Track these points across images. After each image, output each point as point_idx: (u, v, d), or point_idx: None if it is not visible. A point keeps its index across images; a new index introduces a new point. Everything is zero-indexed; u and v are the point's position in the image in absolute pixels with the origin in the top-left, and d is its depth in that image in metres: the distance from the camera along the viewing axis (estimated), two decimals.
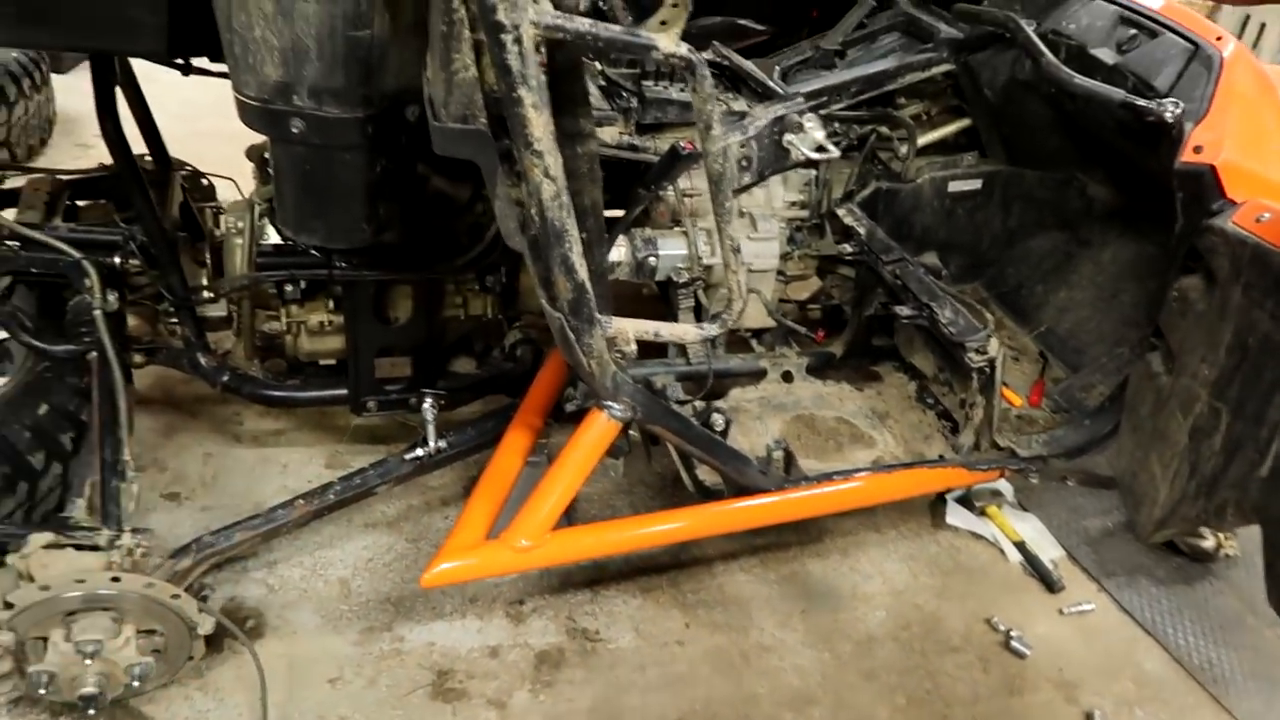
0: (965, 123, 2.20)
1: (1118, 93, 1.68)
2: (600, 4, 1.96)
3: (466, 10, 1.16)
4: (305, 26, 1.25)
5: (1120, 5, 1.88)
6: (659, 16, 1.33)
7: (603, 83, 1.84)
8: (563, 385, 1.82)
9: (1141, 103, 1.63)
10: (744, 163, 1.59)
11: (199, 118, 2.84)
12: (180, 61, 1.62)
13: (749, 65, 1.92)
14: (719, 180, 1.32)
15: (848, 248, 2.04)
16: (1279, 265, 1.41)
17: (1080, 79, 1.73)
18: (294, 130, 1.32)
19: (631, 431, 1.65)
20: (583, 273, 1.31)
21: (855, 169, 2.14)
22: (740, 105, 1.87)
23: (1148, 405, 1.70)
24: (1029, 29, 1.86)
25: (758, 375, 2.02)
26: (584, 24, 1.19)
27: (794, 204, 2.06)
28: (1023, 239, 2.31)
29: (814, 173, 2.06)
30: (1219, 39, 1.73)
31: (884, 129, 2.13)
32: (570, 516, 1.97)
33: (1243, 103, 1.66)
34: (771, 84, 1.87)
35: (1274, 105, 1.70)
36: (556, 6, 1.26)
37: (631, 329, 1.42)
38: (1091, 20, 1.89)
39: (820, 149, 1.50)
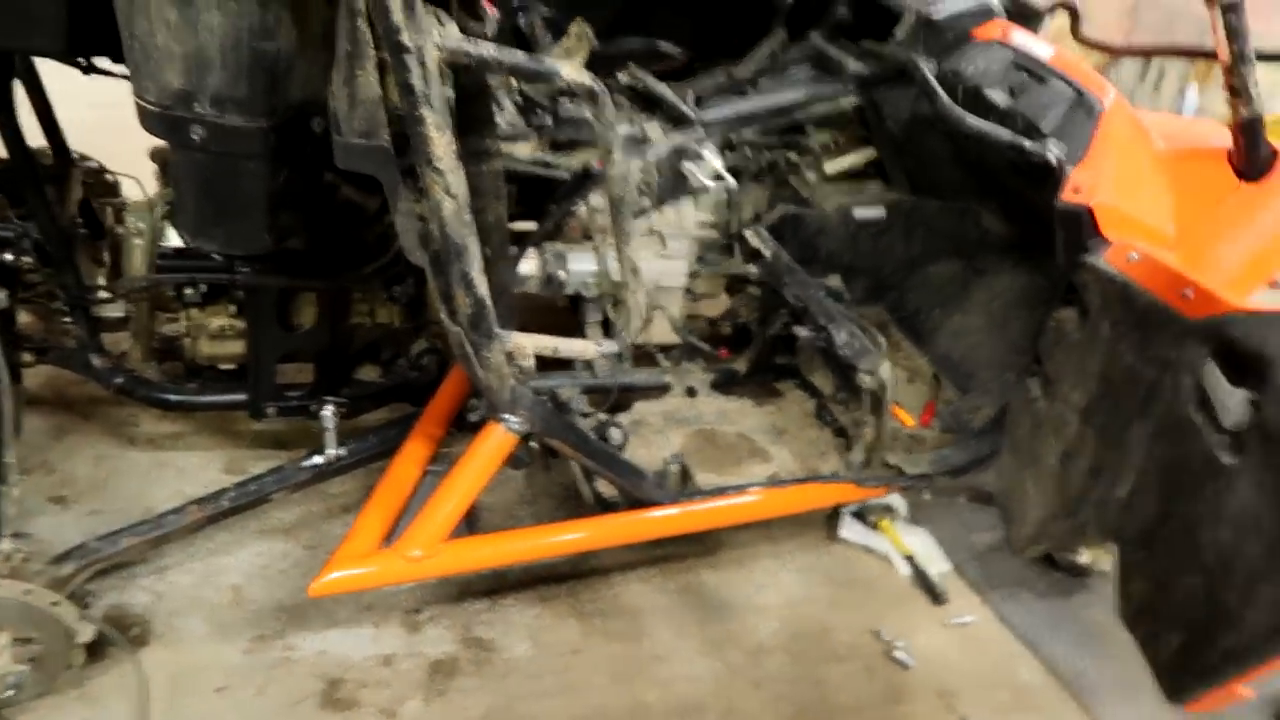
0: (871, 153, 2.28)
1: (1005, 133, 1.77)
2: (520, 24, 1.99)
3: (372, 30, 1.18)
4: (210, 36, 1.25)
5: (1014, 51, 1.98)
6: (564, 45, 1.36)
7: (519, 99, 1.86)
8: (466, 395, 1.84)
9: (1027, 144, 1.72)
10: (644, 187, 1.63)
11: (120, 106, 2.77)
12: (82, 61, 1.60)
13: (663, 89, 1.97)
14: (618, 203, 1.36)
15: (753, 269, 2.10)
16: (1142, 302, 1.50)
17: (972, 119, 1.81)
18: (194, 137, 1.32)
19: (532, 443, 1.69)
20: (483, 288, 1.34)
21: (765, 193, 2.21)
22: (653, 128, 1.92)
23: (1025, 428, 1.80)
24: (927, 70, 1.94)
25: (662, 389, 2.06)
26: (488, 49, 1.22)
27: (705, 224, 2.11)
28: (923, 265, 2.40)
29: (725, 195, 2.11)
30: (1101, 88, 1.84)
31: (792, 156, 2.20)
32: (472, 526, 1.98)
33: (1119, 148, 1.77)
34: (684, 109, 1.93)
35: (1148, 152, 1.81)
36: (464, 30, 1.29)
37: (531, 344, 1.45)
38: (988, 64, 1.99)
39: (718, 177, 1.56)
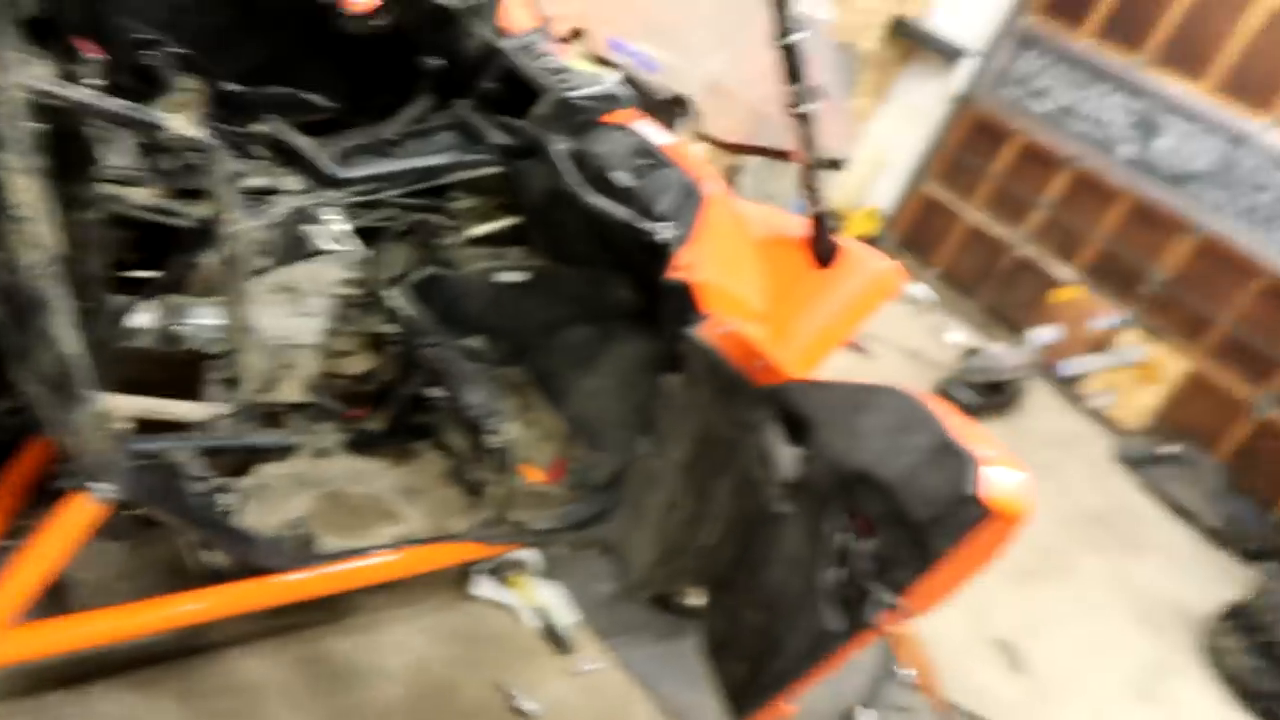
0: (513, 220, 2.39)
1: (624, 212, 1.95)
2: (144, 64, 1.85)
3: None
4: None
5: (639, 137, 2.18)
6: (177, 99, 1.31)
7: (144, 140, 1.73)
8: (51, 460, 1.65)
9: (640, 224, 1.91)
10: (263, 247, 1.59)
11: None
12: None
13: (304, 143, 1.93)
14: (232, 260, 1.32)
15: (392, 328, 2.11)
16: (726, 370, 1.72)
17: (594, 197, 1.98)
18: None
19: (132, 511, 1.55)
20: (69, 345, 1.23)
21: (410, 253, 2.23)
22: (291, 181, 1.87)
23: (637, 482, 1.97)
24: (558, 147, 2.08)
25: (286, 450, 2.00)
26: (84, 94, 1.14)
27: (345, 282, 2.08)
28: (561, 329, 2.54)
29: (368, 253, 2.10)
30: (707, 177, 2.09)
31: (436, 218, 2.25)
32: (61, 605, 1.77)
33: (719, 232, 2.01)
34: (322, 165, 1.90)
35: (745, 237, 2.08)
36: (67, 72, 1.20)
37: (129, 406, 1.35)
38: (614, 147, 2.17)
39: (338, 241, 1.56)
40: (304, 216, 1.60)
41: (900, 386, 1.48)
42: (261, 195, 1.69)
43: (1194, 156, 5.58)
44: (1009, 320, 6.20)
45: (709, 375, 1.73)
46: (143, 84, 1.81)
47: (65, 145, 1.23)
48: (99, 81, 1.21)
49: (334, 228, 1.58)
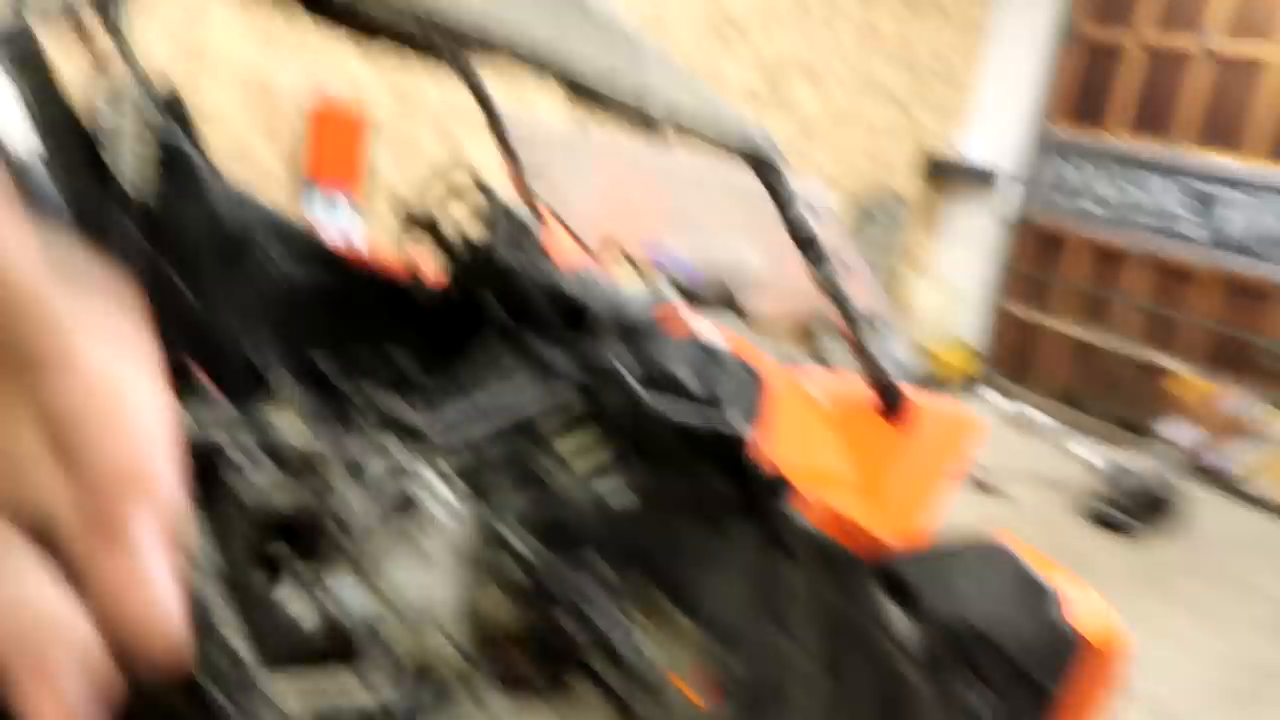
0: (604, 441, 2.54)
1: (691, 411, 2.07)
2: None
3: None
4: None
5: (692, 335, 2.35)
6: (282, 397, 1.52)
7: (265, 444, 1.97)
8: None
9: (710, 419, 2.03)
10: (376, 511, 1.76)
11: None
12: None
13: (395, 404, 2.15)
14: (348, 532, 1.48)
15: (515, 569, 2.24)
16: (833, 551, 1.77)
17: (673, 410, 2.11)
18: None
19: None
20: (234, 640, 1.39)
21: (515, 492, 2.39)
22: (391, 442, 2.07)
23: (781, 674, 1.98)
24: (625, 371, 2.24)
25: (448, 703, 2.09)
26: (219, 436, 1.35)
27: (463, 534, 2.23)
28: (676, 532, 2.62)
29: (476, 500, 2.26)
30: (757, 359, 2.21)
31: (529, 452, 2.41)
32: None
33: (788, 409, 2.12)
34: (415, 423, 2.10)
35: (813, 407, 2.18)
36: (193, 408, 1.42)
37: (298, 686, 1.48)
38: (670, 349, 2.33)
39: (438, 497, 1.74)
40: (404, 473, 1.77)
41: (984, 532, 1.52)
42: (364, 462, 1.89)
43: (1262, 222, 5.52)
44: (1131, 425, 6.00)
45: (817, 557, 1.79)
46: (247, 380, 2.08)
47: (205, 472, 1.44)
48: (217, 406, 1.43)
49: (434, 480, 1.74)
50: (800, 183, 2.02)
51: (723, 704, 2.16)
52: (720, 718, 2.19)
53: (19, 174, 1.08)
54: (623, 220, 2.84)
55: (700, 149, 1.89)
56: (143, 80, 1.82)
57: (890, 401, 2.08)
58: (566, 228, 2.89)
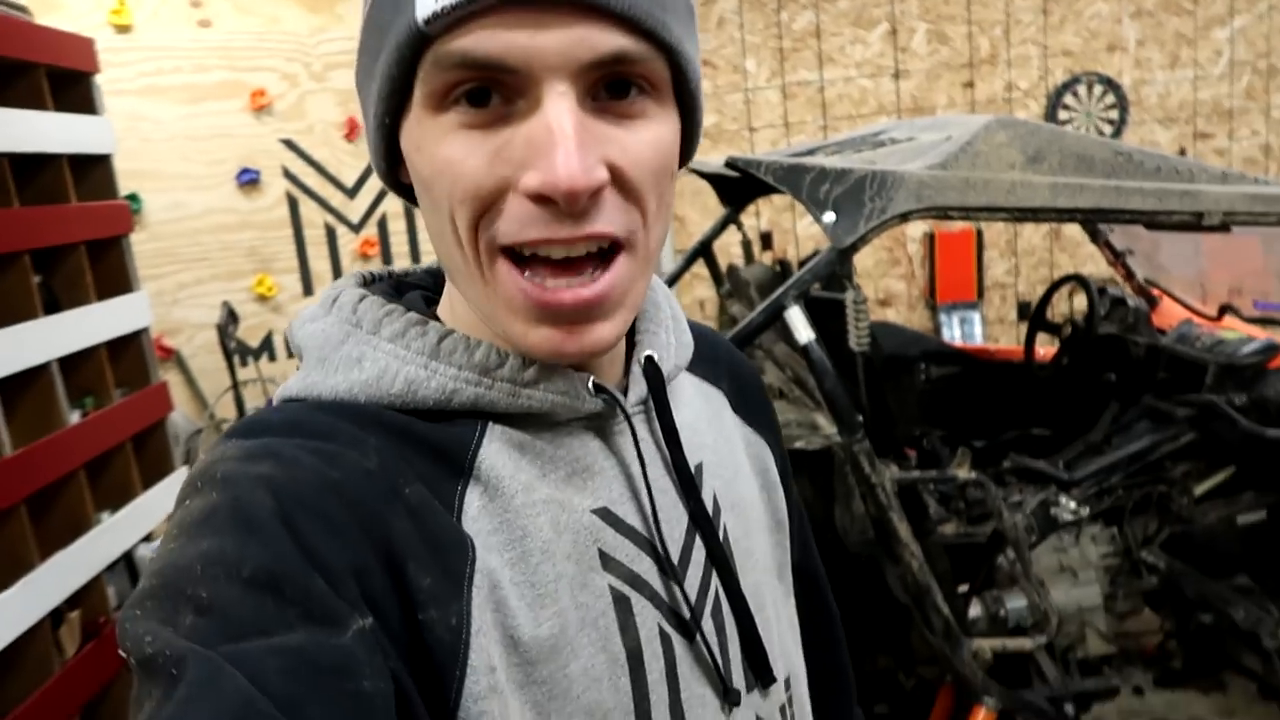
0: (1230, 470, 2.86)
1: None
2: (926, 448, 3.01)
3: (857, 478, 2.22)
4: None
5: None
6: (956, 460, 2.31)
7: (937, 495, 2.80)
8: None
9: None
10: (1029, 531, 2.42)
11: None
12: None
13: (1037, 463, 2.81)
14: (1015, 545, 2.19)
15: (1154, 581, 2.70)
16: None
17: (1271, 431, 2.43)
18: None
19: None
20: (945, 611, 2.19)
21: (1152, 521, 2.85)
22: (1032, 493, 2.73)
23: None
24: (1225, 405, 2.60)
25: (1112, 692, 2.62)
26: (914, 474, 2.21)
27: (1106, 555, 2.78)
28: None
29: (1114, 530, 2.80)
30: None
31: (1159, 488, 2.85)
32: None
33: None
34: (1056, 474, 2.73)
35: None
36: (900, 465, 2.31)
37: (987, 644, 2.23)
38: None
39: (1074, 513, 2.33)
40: (1049, 501, 2.42)
41: None
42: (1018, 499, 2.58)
43: None
44: None
45: None
46: (933, 459, 2.93)
47: (909, 502, 2.30)
48: (924, 473, 2.29)
49: (1070, 505, 2.36)
50: None
51: None
52: None
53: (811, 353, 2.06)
54: (1231, 281, 3.16)
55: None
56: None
57: None
58: (1174, 296, 3.30)
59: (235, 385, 3.46)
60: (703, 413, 0.77)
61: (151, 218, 3.82)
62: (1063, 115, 5.75)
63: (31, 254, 2.57)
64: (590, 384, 0.64)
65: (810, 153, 2.51)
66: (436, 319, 0.66)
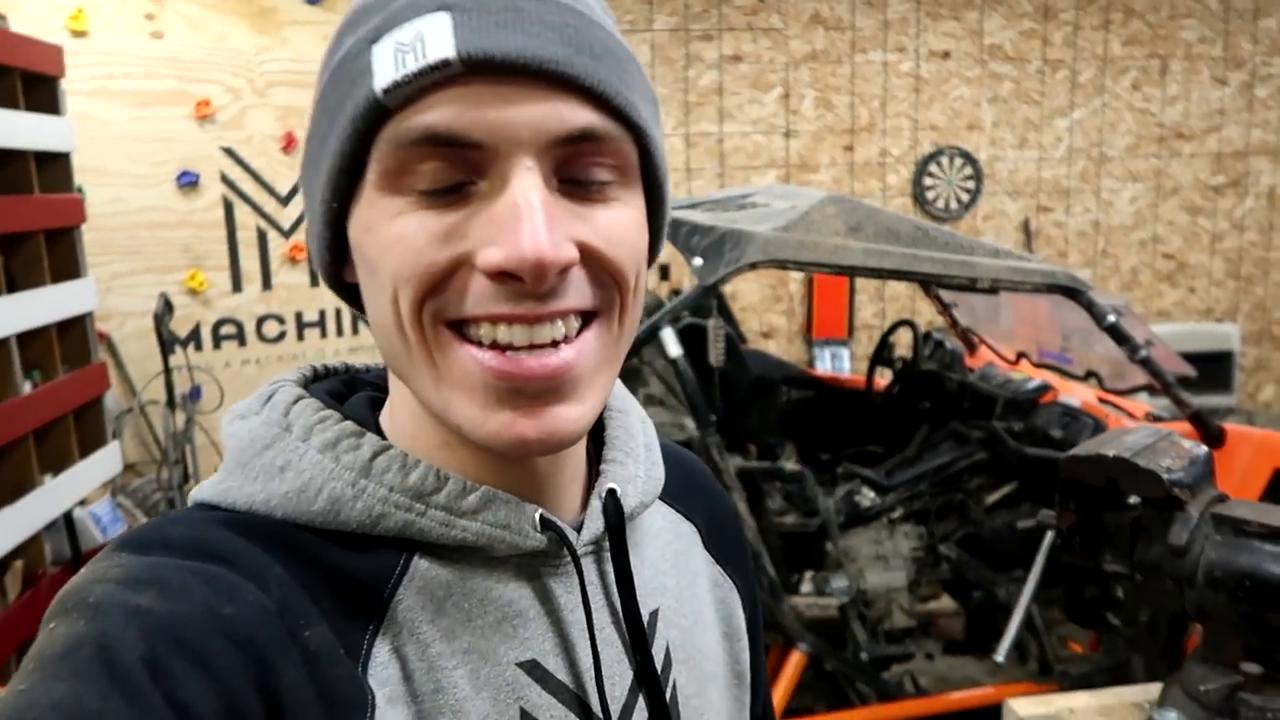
0: (1013, 485, 3.52)
1: (1055, 455, 3.02)
2: (776, 453, 3.58)
3: None
4: None
5: (1062, 406, 3.27)
6: (785, 456, 2.88)
7: (784, 493, 3.37)
8: None
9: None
10: (838, 514, 3.01)
11: None
12: None
13: (864, 471, 3.41)
14: (826, 522, 2.76)
15: (947, 570, 3.32)
16: None
17: (1032, 450, 3.08)
18: None
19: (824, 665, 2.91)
20: (772, 573, 2.74)
21: (950, 523, 3.48)
22: (867, 492, 3.32)
23: None
24: (1001, 429, 3.26)
25: (908, 656, 3.22)
26: (757, 465, 2.76)
27: (913, 547, 3.39)
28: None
29: (923, 529, 3.42)
30: (1105, 415, 3.08)
31: (958, 496, 3.49)
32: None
33: None
34: (878, 480, 3.33)
35: None
36: (747, 462, 2.86)
37: (805, 602, 2.78)
38: (1049, 416, 3.28)
39: (872, 501, 2.93)
40: (853, 493, 3.01)
41: None
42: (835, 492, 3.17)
43: None
44: None
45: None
46: (770, 457, 3.50)
47: (752, 492, 2.85)
48: (759, 463, 2.85)
49: (868, 495, 2.96)
50: (1103, 297, 2.94)
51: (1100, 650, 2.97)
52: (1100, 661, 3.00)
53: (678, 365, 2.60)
54: (1028, 335, 3.86)
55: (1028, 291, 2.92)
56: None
57: (1208, 432, 2.82)
58: (986, 343, 3.98)
59: (167, 370, 3.80)
60: (669, 549, 0.71)
61: (93, 210, 4.12)
62: (927, 181, 6.53)
63: None
64: (537, 518, 0.57)
65: (693, 206, 3.07)
66: (378, 428, 0.60)
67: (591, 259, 0.53)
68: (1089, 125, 6.65)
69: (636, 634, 0.61)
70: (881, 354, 3.88)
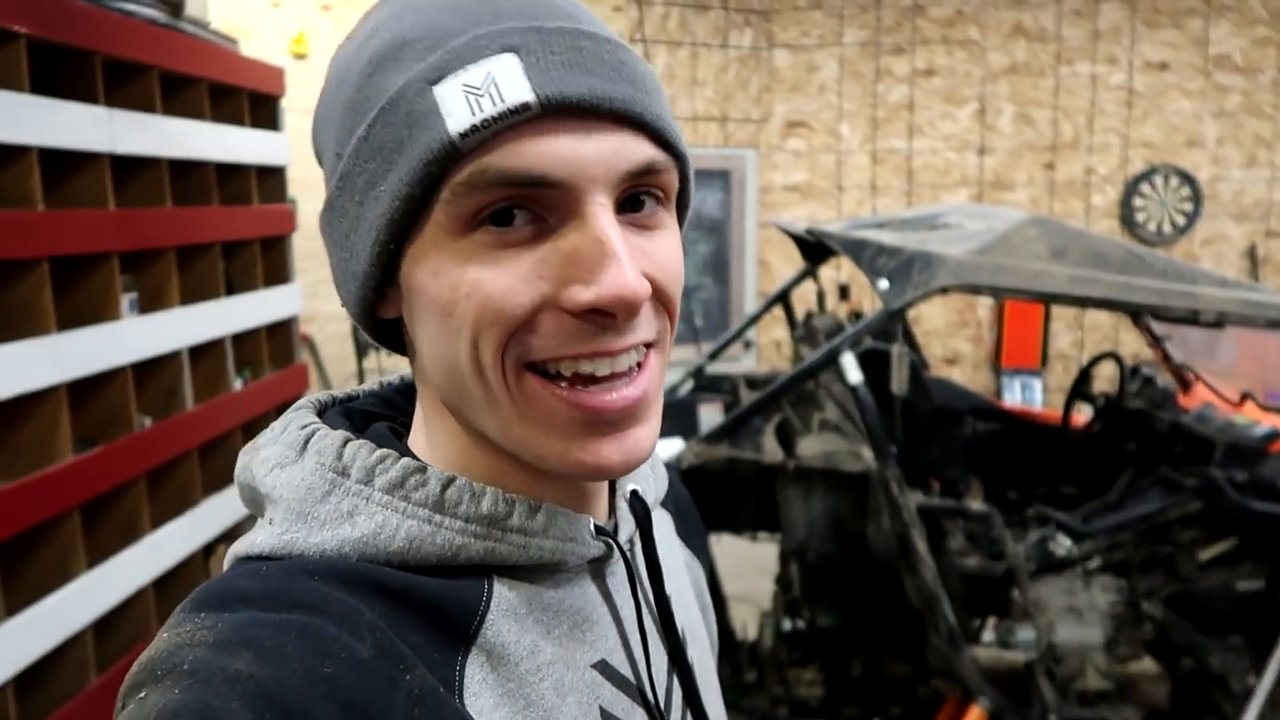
0: (1233, 542, 3.16)
1: None
2: (957, 488, 3.38)
3: (886, 498, 2.63)
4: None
5: None
6: (970, 495, 2.70)
7: (967, 532, 3.17)
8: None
9: None
10: (1028, 561, 2.79)
11: None
12: None
13: (1058, 515, 3.16)
14: (1015, 569, 2.56)
15: (1153, 633, 3.02)
16: None
17: (1259, 504, 2.75)
18: None
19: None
20: (952, 620, 2.56)
21: (1156, 578, 3.17)
22: (1061, 539, 3.07)
23: None
24: (1224, 481, 2.92)
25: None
26: (935, 502, 2.60)
27: (1111, 602, 3.11)
28: None
29: (1124, 582, 3.12)
30: None
31: (1166, 549, 3.17)
32: None
33: None
34: (1072, 525, 3.07)
35: None
36: (926, 494, 2.70)
37: (985, 655, 2.60)
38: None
39: (1068, 550, 2.69)
40: (1047, 539, 2.78)
41: None
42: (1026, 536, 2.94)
43: None
44: None
45: None
46: (953, 494, 3.30)
47: (932, 527, 2.69)
48: (942, 501, 2.68)
49: (1065, 543, 2.72)
50: None
51: None
52: None
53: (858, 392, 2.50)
54: (1253, 373, 3.49)
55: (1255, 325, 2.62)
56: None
57: None
58: (1204, 382, 3.61)
59: (361, 372, 4.01)
60: (665, 541, 0.75)
61: (305, 219, 4.41)
62: (1137, 202, 6.06)
63: (222, 245, 3.13)
64: (592, 526, 0.60)
65: (879, 226, 2.95)
66: (414, 458, 0.59)
67: (655, 289, 0.55)
68: None
69: (668, 620, 0.66)
70: (1080, 387, 3.60)
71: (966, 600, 2.89)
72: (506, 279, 0.51)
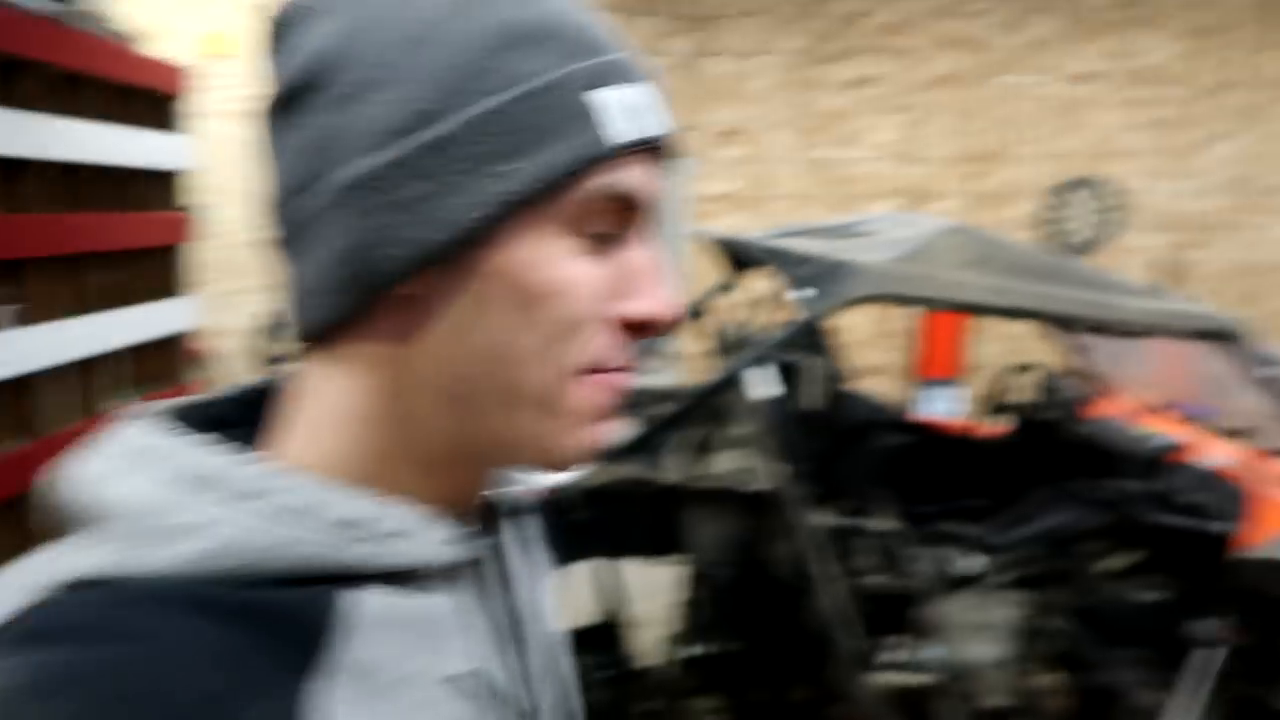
0: (1133, 556, 3.16)
1: (1184, 521, 2.69)
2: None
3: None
4: None
5: (1194, 467, 2.92)
6: (880, 517, 2.67)
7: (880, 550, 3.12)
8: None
9: (1209, 531, 2.63)
10: (937, 581, 2.77)
11: None
12: None
13: (967, 529, 3.14)
14: (925, 592, 2.53)
15: (1055, 646, 3.01)
16: None
17: (1158, 516, 2.76)
18: None
19: None
20: (853, 646, 2.53)
21: (1057, 592, 3.16)
22: (970, 555, 3.04)
23: None
24: (1124, 488, 2.93)
25: None
26: (846, 521, 2.56)
27: (1016, 617, 3.09)
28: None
29: (1033, 597, 3.12)
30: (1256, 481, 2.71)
31: (1068, 563, 3.16)
32: None
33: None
34: (970, 535, 3.04)
35: None
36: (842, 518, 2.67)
37: (885, 682, 2.56)
38: (1185, 480, 2.94)
39: (979, 566, 2.67)
40: (949, 558, 2.76)
41: None
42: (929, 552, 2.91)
43: None
44: None
45: None
46: (862, 514, 3.26)
47: (839, 550, 2.65)
48: (844, 520, 2.64)
49: (969, 562, 2.70)
50: (1258, 344, 2.62)
51: None
52: None
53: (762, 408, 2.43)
54: (1164, 385, 3.51)
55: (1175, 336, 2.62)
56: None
57: None
58: (1116, 391, 3.64)
59: None
60: (532, 548, 0.75)
61: (218, 228, 4.25)
62: (1063, 212, 6.13)
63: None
64: (459, 532, 0.58)
65: (801, 234, 2.89)
66: (277, 462, 0.55)
67: None
68: (1245, 153, 6.11)
69: (538, 627, 0.67)
70: (996, 398, 3.60)
71: (874, 619, 2.86)
72: (594, 286, 0.55)
